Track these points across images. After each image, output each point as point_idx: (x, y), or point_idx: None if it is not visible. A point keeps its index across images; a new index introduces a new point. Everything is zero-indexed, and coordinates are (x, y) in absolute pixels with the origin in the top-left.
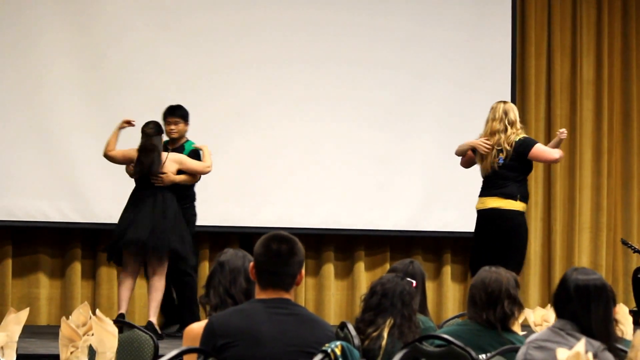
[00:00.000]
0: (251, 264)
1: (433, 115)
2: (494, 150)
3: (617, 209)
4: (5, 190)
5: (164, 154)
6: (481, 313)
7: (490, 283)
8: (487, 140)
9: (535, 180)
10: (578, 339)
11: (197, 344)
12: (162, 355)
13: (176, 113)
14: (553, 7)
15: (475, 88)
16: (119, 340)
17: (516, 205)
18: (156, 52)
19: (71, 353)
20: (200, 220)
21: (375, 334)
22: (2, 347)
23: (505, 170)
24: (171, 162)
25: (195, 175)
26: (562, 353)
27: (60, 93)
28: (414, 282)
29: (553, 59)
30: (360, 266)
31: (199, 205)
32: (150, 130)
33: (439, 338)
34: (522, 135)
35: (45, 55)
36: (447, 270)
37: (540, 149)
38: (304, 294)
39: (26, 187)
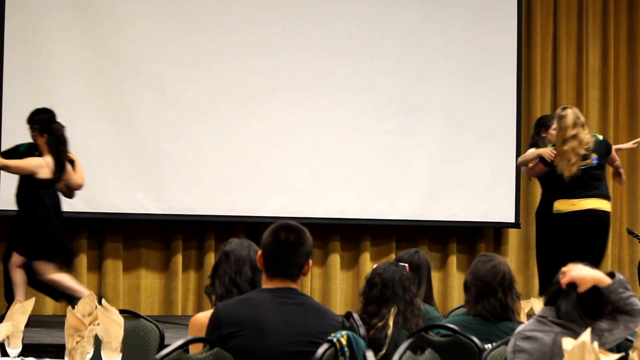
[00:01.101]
0: (259, 253)
1: (439, 104)
2: (576, 153)
3: (623, 199)
4: (13, 180)
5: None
6: (475, 304)
7: (485, 273)
8: (553, 150)
9: None
10: (560, 326)
11: (202, 334)
12: (167, 345)
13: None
14: None
15: (481, 77)
16: (124, 330)
17: (609, 205)
18: (162, 40)
19: (77, 342)
20: (206, 210)
21: (380, 324)
22: (8, 337)
23: (597, 170)
24: None
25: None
26: (567, 343)
27: (67, 84)
28: (407, 266)
29: (559, 48)
30: (366, 256)
31: (205, 194)
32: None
33: (445, 328)
34: (595, 134)
35: (52, 46)
36: (453, 259)
37: (613, 151)
38: (310, 283)
39: None
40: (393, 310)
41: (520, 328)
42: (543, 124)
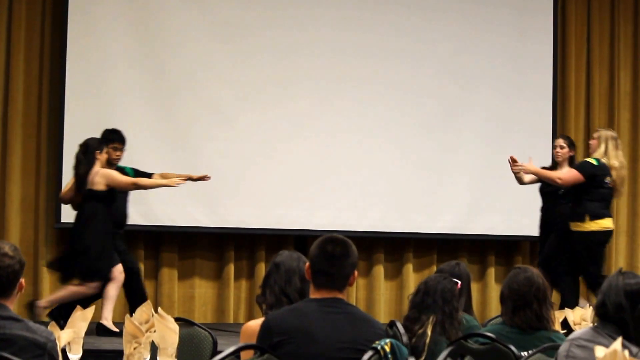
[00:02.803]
0: (307, 264)
1: (478, 123)
2: None
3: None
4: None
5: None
6: (512, 316)
7: (520, 286)
8: None
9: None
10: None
11: (253, 341)
12: (220, 351)
13: (125, 140)
14: (592, 22)
15: (519, 98)
16: (179, 337)
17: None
18: (215, 63)
19: (134, 349)
20: (257, 223)
21: (420, 331)
22: (69, 343)
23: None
24: None
25: None
26: (600, 351)
27: (124, 103)
28: (459, 283)
29: (592, 71)
30: (409, 267)
31: (256, 208)
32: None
33: (483, 336)
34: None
35: (111, 68)
36: (491, 272)
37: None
38: (355, 293)
39: None
40: (432, 319)
41: (576, 334)
42: None
